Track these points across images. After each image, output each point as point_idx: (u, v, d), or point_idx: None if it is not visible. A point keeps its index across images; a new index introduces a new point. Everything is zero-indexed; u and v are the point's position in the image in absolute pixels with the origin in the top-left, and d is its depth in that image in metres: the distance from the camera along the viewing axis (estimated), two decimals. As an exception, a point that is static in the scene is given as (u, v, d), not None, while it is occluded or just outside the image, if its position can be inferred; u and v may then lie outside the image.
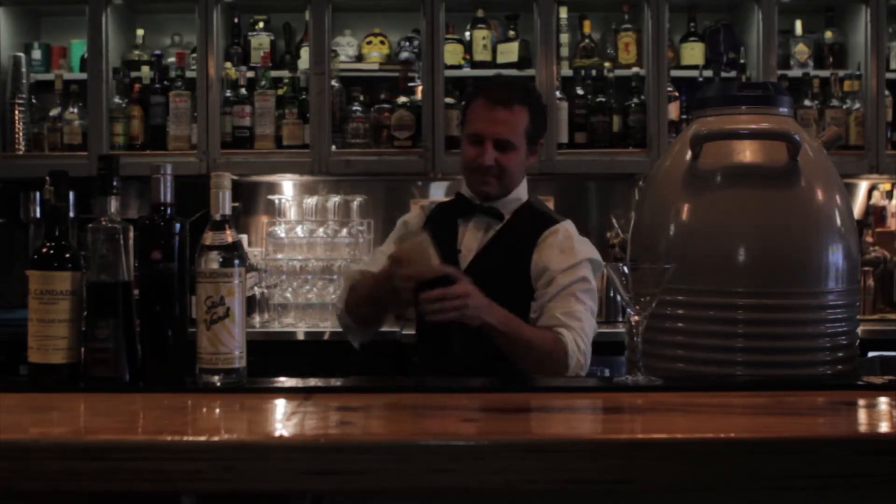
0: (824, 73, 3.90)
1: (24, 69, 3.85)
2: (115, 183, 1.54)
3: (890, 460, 1.15)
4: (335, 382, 1.59)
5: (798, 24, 3.97)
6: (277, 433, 1.19)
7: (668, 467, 1.14)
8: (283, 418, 1.31)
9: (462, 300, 1.95)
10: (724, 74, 3.85)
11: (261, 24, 3.99)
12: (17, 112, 3.83)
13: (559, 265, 2.20)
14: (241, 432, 1.25)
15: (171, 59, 3.89)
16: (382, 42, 4.02)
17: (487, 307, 2.00)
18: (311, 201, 3.83)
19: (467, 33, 3.97)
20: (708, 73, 3.86)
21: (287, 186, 4.08)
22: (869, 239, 3.89)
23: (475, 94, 2.38)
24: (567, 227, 2.30)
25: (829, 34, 4.00)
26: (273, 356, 3.10)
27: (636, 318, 1.52)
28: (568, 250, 2.23)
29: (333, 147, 3.77)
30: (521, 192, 2.36)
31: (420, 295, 1.93)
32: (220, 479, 1.11)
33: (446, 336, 2.01)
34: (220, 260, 1.48)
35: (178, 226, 1.54)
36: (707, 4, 4.02)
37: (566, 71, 3.89)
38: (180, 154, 3.70)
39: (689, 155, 1.67)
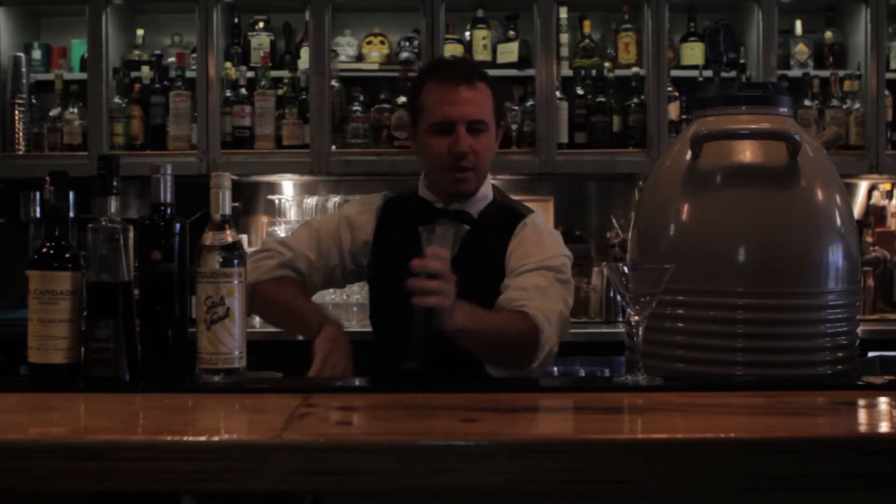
0: (824, 73, 3.90)
1: (24, 69, 3.85)
2: (115, 183, 1.53)
3: (890, 460, 1.15)
4: (335, 382, 1.59)
5: (798, 24, 3.96)
6: (277, 433, 1.19)
7: (668, 467, 1.14)
8: (282, 418, 1.31)
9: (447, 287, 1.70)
10: (724, 74, 3.85)
11: (261, 24, 3.99)
12: (17, 112, 3.83)
13: (535, 256, 2.01)
14: (241, 432, 1.25)
15: (171, 59, 3.88)
16: (382, 42, 4.01)
17: (451, 310, 1.72)
18: (311, 201, 3.82)
19: (467, 33, 3.96)
20: (708, 73, 3.86)
21: (287, 186, 4.08)
22: (869, 239, 3.89)
23: (426, 78, 2.10)
24: (535, 219, 2.13)
25: (829, 34, 4.00)
26: (273, 356, 3.09)
27: (636, 318, 1.52)
28: (538, 243, 2.05)
29: (333, 147, 3.76)
30: (487, 190, 2.15)
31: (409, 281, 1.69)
32: (220, 479, 1.11)
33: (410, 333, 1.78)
34: (220, 260, 1.49)
35: (178, 226, 1.54)
36: (707, 4, 4.01)
37: (566, 71, 3.89)
38: (180, 154, 3.70)
39: (689, 155, 1.67)
